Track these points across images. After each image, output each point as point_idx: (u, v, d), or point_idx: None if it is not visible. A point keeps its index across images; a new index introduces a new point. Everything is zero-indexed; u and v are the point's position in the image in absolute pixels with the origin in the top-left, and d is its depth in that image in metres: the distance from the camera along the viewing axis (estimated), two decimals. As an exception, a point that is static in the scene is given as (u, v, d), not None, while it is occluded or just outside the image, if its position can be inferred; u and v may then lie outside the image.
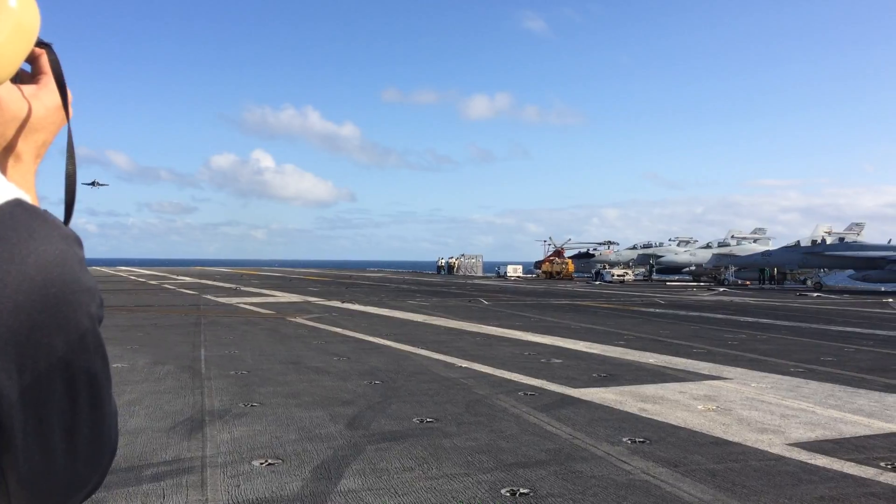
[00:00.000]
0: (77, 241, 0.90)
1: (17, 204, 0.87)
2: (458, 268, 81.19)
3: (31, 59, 1.01)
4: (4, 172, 0.98)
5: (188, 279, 48.77)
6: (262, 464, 5.92)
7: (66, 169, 1.03)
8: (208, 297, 29.39)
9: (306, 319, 19.30)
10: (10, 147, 0.99)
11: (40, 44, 0.99)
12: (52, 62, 1.02)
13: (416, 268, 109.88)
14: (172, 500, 5.02)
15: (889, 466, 6.05)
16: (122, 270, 68.46)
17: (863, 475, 5.82)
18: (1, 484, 0.85)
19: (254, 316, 20.62)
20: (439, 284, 47.13)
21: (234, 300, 27.27)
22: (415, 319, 19.88)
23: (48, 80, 1.01)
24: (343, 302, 26.78)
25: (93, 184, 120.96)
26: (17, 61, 0.92)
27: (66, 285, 0.85)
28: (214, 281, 46.04)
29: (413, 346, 13.68)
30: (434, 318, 20.40)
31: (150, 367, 10.76)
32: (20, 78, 0.99)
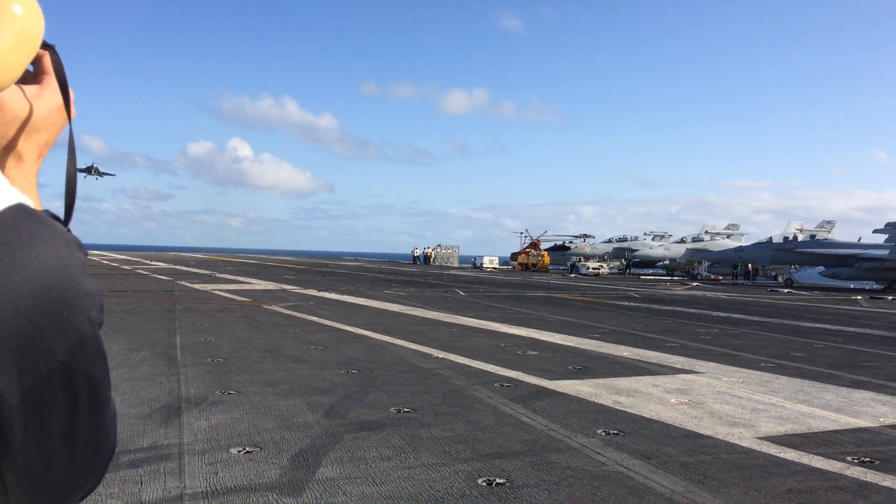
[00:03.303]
0: (79, 246, 0.91)
1: (20, 209, 0.87)
2: (435, 258, 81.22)
3: (34, 60, 1.01)
4: (6, 172, 0.99)
5: (162, 265, 48.28)
6: (239, 451, 5.93)
7: (67, 169, 1.03)
8: (183, 283, 29.15)
9: (282, 307, 19.24)
10: (12, 147, 0.99)
11: (43, 45, 1.00)
12: (54, 63, 1.02)
13: (394, 259, 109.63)
14: (150, 487, 5.02)
15: (855, 461, 6.21)
16: (95, 255, 67.58)
17: (830, 469, 5.97)
18: (0, 485, 0.85)
19: (229, 303, 20.50)
20: (416, 274, 47.14)
21: (209, 287, 27.07)
22: (391, 309, 19.89)
23: (50, 80, 1.02)
24: (319, 290, 26.70)
25: (90, 170, 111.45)
26: (21, 66, 0.92)
27: (67, 291, 0.86)
28: (189, 267, 45.63)
29: (390, 336, 13.71)
30: (411, 308, 20.43)
31: (125, 354, 10.68)
32: (23, 78, 0.99)
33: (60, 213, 0.99)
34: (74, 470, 0.90)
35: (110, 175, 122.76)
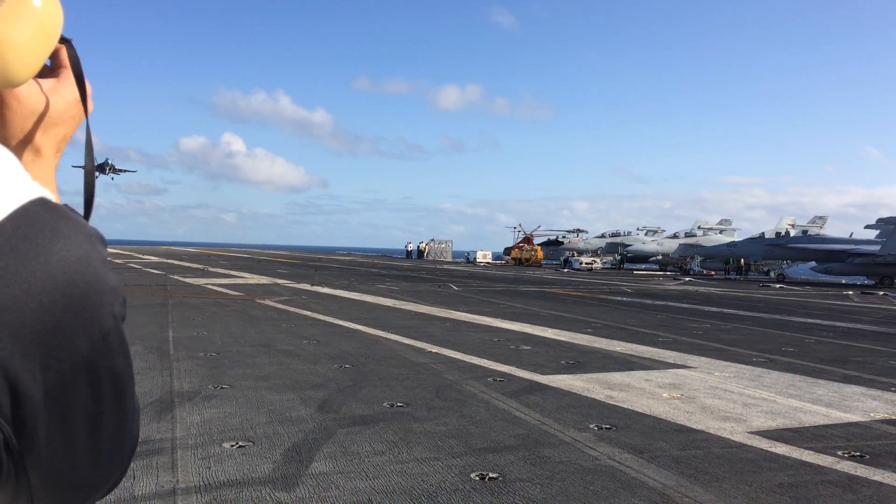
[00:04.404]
0: (101, 240, 0.90)
1: (41, 203, 0.85)
2: (428, 253, 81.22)
3: (52, 55, 1.00)
4: (24, 167, 0.97)
5: (154, 259, 48.13)
6: (232, 446, 5.93)
7: (85, 164, 1.03)
8: (175, 277, 29.08)
9: (276, 302, 19.21)
10: (30, 141, 0.98)
11: (60, 39, 0.99)
12: (71, 57, 1.01)
13: (388, 254, 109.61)
14: (143, 482, 5.02)
15: (846, 455, 6.25)
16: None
17: (821, 463, 6.00)
18: (24, 482, 0.83)
19: (222, 297, 20.46)
20: (409, 269, 47.14)
21: (201, 281, 27.00)
22: (385, 304, 19.89)
23: (67, 74, 1.01)
24: (312, 285, 26.68)
25: (104, 168, 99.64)
26: (40, 60, 0.92)
27: (90, 286, 0.84)
28: (181, 261, 45.51)
29: (383, 330, 13.71)
30: (404, 302, 20.44)
31: (118, 348, 10.64)
32: (40, 72, 0.98)
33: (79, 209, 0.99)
34: (98, 465, 0.88)
35: (130, 172, 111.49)
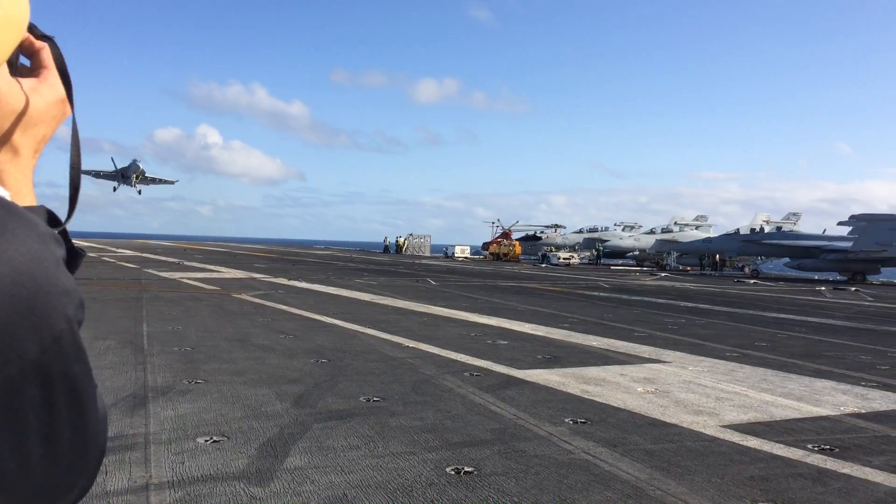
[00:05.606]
0: (56, 240, 0.87)
1: None
2: (406, 247, 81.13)
3: (32, 53, 0.99)
4: (1, 167, 0.96)
5: (129, 252, 47.62)
6: (207, 441, 5.89)
7: (71, 159, 1.01)
8: (150, 271, 28.79)
9: (252, 296, 19.10)
10: (7, 140, 0.96)
11: (42, 37, 0.98)
12: (54, 55, 1.00)
13: (366, 248, 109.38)
14: (115, 477, 4.97)
15: (816, 448, 6.34)
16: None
17: (791, 457, 6.09)
18: None
19: (198, 292, 20.30)
20: (387, 263, 47.05)
21: (177, 275, 26.77)
22: (362, 298, 19.85)
23: (48, 73, 0.99)
24: (289, 279, 26.54)
25: (128, 177, 72.65)
26: (5, 51, 0.91)
27: (41, 287, 0.81)
28: (156, 255, 45.07)
29: (360, 325, 13.68)
30: (381, 297, 20.41)
31: (90, 343, 10.53)
32: (21, 72, 0.97)
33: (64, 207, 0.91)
34: (58, 473, 0.85)
35: (167, 183, 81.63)
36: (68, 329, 0.84)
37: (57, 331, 0.82)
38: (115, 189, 75.03)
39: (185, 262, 36.60)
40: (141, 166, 74.82)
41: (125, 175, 74.36)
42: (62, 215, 0.95)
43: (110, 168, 74.28)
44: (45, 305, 0.81)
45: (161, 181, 79.66)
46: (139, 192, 76.75)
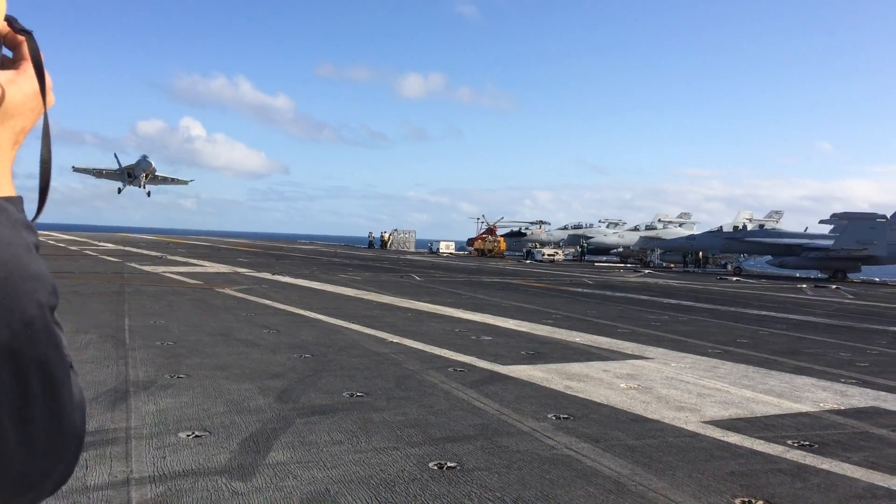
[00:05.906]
0: (27, 227, 0.88)
1: None
2: (391, 243, 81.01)
3: (13, 46, 0.99)
4: None
5: (111, 246, 47.23)
6: (188, 436, 5.86)
7: (41, 155, 1.00)
8: (132, 265, 28.58)
9: (235, 291, 19.00)
10: None
11: (22, 31, 0.97)
12: (31, 49, 0.99)
13: (350, 243, 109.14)
14: (96, 472, 4.93)
15: (795, 444, 6.41)
16: (40, 234, 65.77)
17: (771, 452, 6.15)
18: None
19: (181, 286, 20.17)
20: (372, 259, 46.98)
21: (159, 269, 26.58)
22: (346, 293, 19.81)
23: (27, 66, 0.99)
24: (273, 274, 26.43)
25: (134, 175, 66.04)
26: None
27: (11, 272, 0.82)
28: (139, 248, 44.72)
29: (344, 320, 13.66)
30: (366, 292, 20.37)
31: (71, 336, 10.43)
32: (0, 64, 0.97)
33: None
34: (34, 460, 0.85)
35: (182, 183, 74.76)
36: (40, 314, 0.85)
37: (28, 316, 0.83)
38: (119, 190, 67.80)
39: (168, 256, 36.36)
40: (152, 164, 67.99)
41: (132, 174, 68.13)
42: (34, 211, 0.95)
43: (114, 166, 67.62)
44: (15, 290, 0.82)
45: (174, 181, 72.78)
46: (148, 195, 70.21)
